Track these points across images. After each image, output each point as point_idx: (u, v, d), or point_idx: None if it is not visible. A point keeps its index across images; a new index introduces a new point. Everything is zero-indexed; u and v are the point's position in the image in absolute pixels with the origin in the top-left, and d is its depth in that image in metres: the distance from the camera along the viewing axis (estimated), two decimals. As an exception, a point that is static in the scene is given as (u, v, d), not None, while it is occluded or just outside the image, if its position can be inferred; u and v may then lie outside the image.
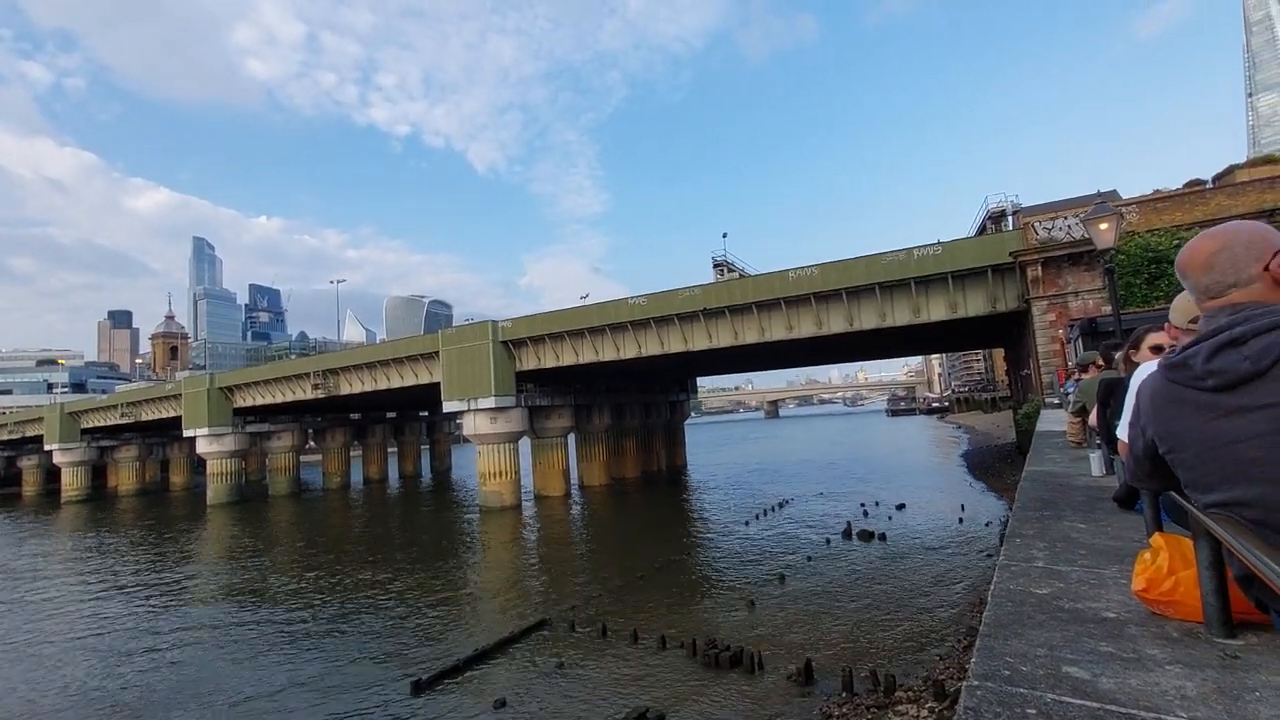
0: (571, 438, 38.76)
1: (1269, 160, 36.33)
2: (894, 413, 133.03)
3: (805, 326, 25.79)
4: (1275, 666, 1.36)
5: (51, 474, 63.08)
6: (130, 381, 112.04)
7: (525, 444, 35.69)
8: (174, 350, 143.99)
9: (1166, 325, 3.16)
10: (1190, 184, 33.37)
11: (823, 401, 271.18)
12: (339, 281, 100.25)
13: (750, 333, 26.92)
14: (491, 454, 32.88)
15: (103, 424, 57.37)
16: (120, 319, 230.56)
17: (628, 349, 29.94)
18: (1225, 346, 1.34)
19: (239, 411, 47.12)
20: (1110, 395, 3.54)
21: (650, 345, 29.39)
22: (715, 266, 42.06)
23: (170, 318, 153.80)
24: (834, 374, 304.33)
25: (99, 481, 62.65)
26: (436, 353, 34.68)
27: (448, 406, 34.05)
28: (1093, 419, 4.40)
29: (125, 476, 61.26)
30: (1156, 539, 1.79)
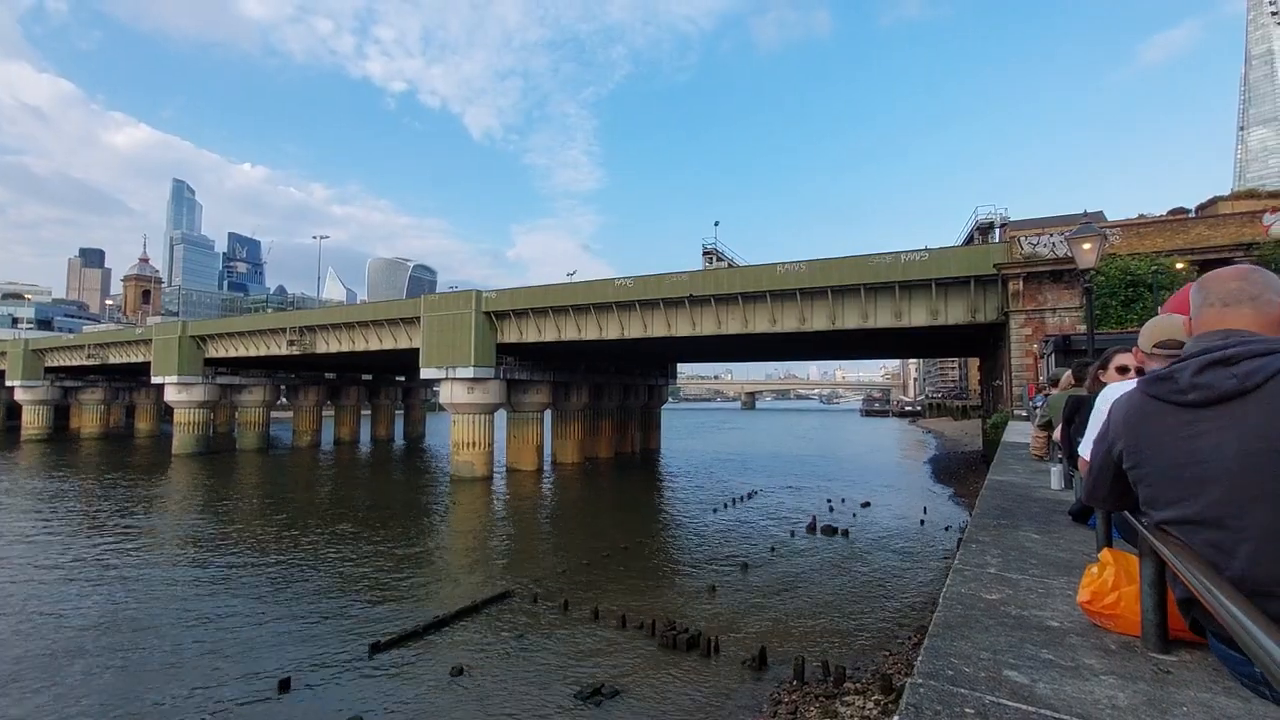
0: (548, 414, 38.73)
1: (1251, 194, 37.17)
2: (868, 413, 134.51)
3: (788, 321, 25.96)
4: (1204, 683, 1.42)
5: (12, 410, 61.49)
6: (99, 323, 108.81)
7: (501, 416, 35.59)
8: (146, 294, 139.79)
9: (1134, 348, 3.23)
10: (1174, 212, 34.04)
11: (799, 396, 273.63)
12: (322, 237, 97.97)
13: (734, 323, 27.02)
14: (466, 424, 32.75)
15: (68, 364, 55.84)
16: (92, 258, 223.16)
17: (611, 329, 29.88)
18: (1216, 364, 1.36)
19: (210, 362, 46.20)
20: (1076, 412, 3.62)
21: (633, 328, 29.36)
22: (705, 254, 41.84)
23: (145, 260, 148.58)
24: (812, 370, 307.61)
25: (61, 422, 61.33)
26: (418, 318, 34.26)
27: (425, 373, 33.76)
28: (1057, 434, 4.50)
29: (89, 419, 60.03)
30: (1105, 554, 1.84)
